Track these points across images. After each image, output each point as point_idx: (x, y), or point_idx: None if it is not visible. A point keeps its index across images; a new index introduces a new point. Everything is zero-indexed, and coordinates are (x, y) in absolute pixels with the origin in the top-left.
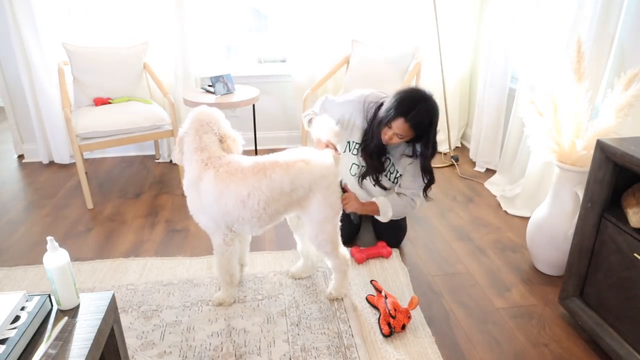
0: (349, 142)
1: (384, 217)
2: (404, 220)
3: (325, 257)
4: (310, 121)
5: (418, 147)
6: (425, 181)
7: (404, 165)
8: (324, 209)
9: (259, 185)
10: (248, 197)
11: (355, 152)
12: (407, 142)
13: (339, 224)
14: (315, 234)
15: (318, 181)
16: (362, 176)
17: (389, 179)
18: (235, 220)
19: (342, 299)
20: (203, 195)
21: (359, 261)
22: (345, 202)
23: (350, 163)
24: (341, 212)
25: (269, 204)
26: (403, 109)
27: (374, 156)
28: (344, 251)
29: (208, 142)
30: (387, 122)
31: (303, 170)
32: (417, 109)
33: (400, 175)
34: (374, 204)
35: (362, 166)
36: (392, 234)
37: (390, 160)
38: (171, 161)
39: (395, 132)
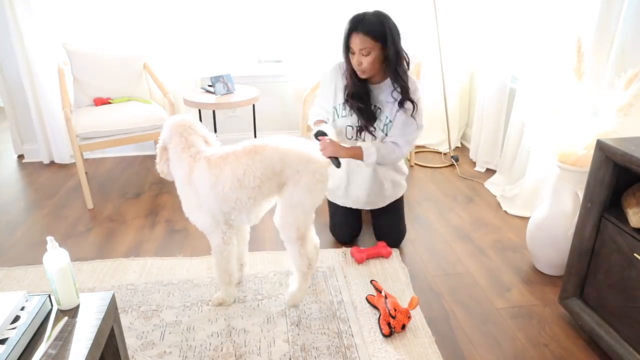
0: (335, 108)
1: (368, 160)
2: (402, 221)
3: (286, 243)
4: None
5: (397, 94)
6: (411, 108)
7: (393, 112)
8: (302, 194)
9: (252, 162)
10: (244, 175)
11: (344, 112)
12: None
13: (312, 217)
14: (282, 215)
15: (305, 164)
16: (359, 130)
17: (382, 130)
18: (232, 205)
19: (343, 300)
20: (198, 186)
21: (359, 261)
22: (322, 147)
23: (345, 126)
24: (318, 205)
25: (264, 182)
26: (352, 25)
27: (362, 99)
28: (311, 251)
29: (194, 141)
30: (346, 46)
31: (290, 152)
32: (364, 17)
33: (391, 121)
34: (356, 147)
35: (357, 127)
36: (392, 234)
37: (379, 109)
38: None
39: (356, 50)
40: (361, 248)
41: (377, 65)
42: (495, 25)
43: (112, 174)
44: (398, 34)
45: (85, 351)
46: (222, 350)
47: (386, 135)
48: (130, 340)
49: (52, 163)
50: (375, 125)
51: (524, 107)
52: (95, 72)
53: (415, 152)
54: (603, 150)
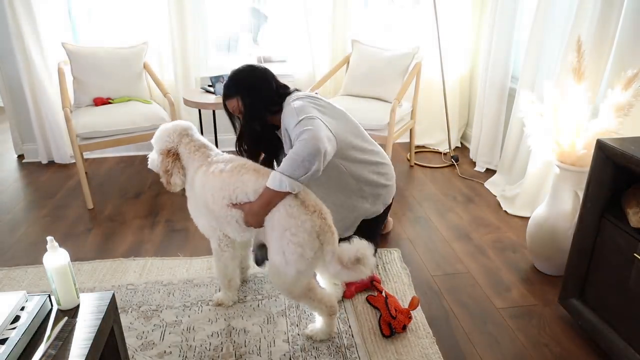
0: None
1: (280, 185)
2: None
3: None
4: None
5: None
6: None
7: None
8: (275, 253)
9: (223, 182)
10: (219, 190)
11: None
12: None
13: (303, 282)
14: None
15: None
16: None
17: None
18: (216, 217)
19: (343, 301)
20: (195, 187)
21: (348, 295)
22: (247, 221)
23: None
24: (301, 271)
25: (231, 202)
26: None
27: (256, 142)
28: (326, 296)
29: (203, 140)
30: (231, 119)
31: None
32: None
33: None
34: (265, 189)
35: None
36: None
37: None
38: None
39: (232, 112)
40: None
41: (254, 111)
42: (495, 24)
43: (112, 174)
44: (252, 84)
45: (85, 351)
46: (222, 350)
47: None
48: (130, 340)
49: (52, 163)
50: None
51: (523, 107)
52: (95, 72)
53: (415, 152)
54: (603, 150)
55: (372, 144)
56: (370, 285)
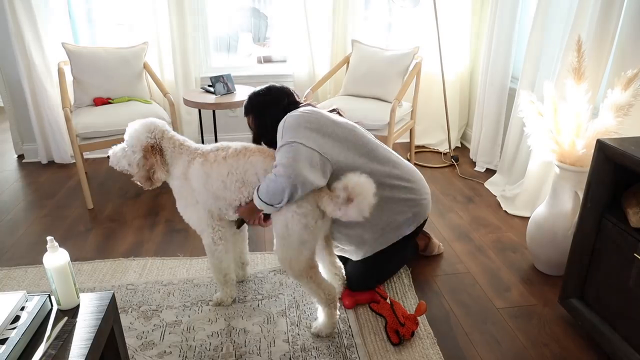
0: None
1: (262, 207)
2: (371, 271)
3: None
4: None
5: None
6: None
7: None
8: (279, 222)
9: (236, 165)
10: (227, 176)
11: None
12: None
13: (306, 254)
14: (275, 247)
15: None
16: None
17: None
18: (223, 204)
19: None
20: (193, 182)
21: (348, 306)
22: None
23: None
24: (304, 239)
25: (246, 186)
26: None
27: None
28: (327, 285)
29: (180, 137)
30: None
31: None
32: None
33: None
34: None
35: None
36: (351, 277)
37: None
38: None
39: (250, 126)
40: (352, 292)
41: (263, 129)
42: (495, 24)
43: (112, 174)
44: (263, 105)
45: (85, 351)
46: (222, 350)
47: None
48: (130, 340)
49: (52, 163)
50: None
51: (523, 107)
52: (95, 72)
53: (415, 152)
54: (603, 150)
55: (391, 165)
56: (373, 296)
